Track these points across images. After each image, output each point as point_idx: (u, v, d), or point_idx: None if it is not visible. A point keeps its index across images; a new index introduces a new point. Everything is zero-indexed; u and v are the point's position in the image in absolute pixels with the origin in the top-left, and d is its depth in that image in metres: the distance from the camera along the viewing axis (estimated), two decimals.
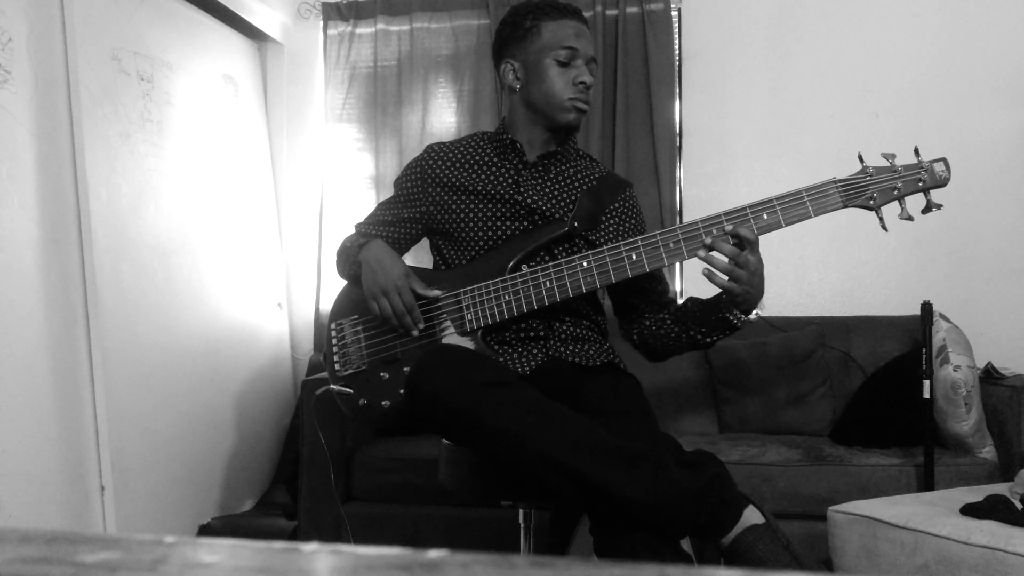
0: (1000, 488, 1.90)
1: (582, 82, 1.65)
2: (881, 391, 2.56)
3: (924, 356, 2.30)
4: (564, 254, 1.66)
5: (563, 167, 1.75)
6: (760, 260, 1.50)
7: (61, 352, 2.25)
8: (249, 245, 3.14)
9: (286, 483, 3.05)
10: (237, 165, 3.12)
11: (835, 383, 2.73)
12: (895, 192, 1.51)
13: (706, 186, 3.18)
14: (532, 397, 1.40)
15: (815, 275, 3.12)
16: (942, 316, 2.54)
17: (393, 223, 1.80)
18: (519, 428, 1.35)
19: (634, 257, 1.55)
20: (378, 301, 1.62)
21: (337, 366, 1.69)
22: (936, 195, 1.53)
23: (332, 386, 1.67)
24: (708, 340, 1.64)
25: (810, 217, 1.51)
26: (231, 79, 3.15)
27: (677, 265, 3.09)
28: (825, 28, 3.11)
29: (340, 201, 3.39)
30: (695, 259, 1.51)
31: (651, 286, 1.73)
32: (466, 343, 1.62)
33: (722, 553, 1.39)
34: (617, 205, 1.75)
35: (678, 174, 3.18)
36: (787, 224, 1.51)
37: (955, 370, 2.36)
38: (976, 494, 1.83)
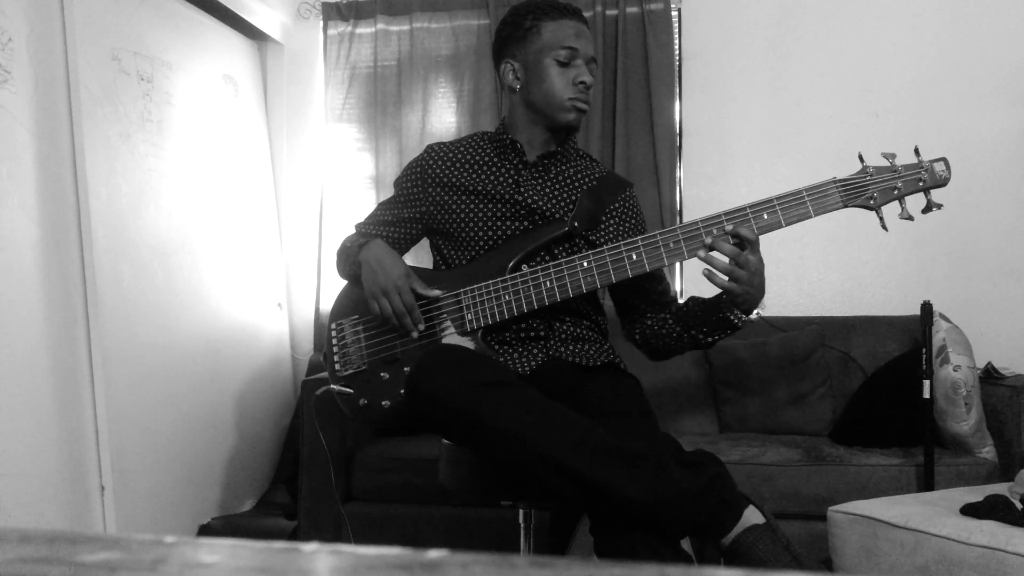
0: (1000, 488, 1.90)
1: (582, 82, 1.65)
2: (881, 391, 2.56)
3: (924, 356, 2.30)
4: (564, 254, 1.66)
5: (563, 167, 1.75)
6: (761, 260, 1.50)
7: (61, 352, 2.25)
8: (249, 245, 3.14)
9: (286, 483, 3.05)
10: (237, 165, 3.12)
11: (835, 383, 2.73)
12: (895, 192, 1.51)
13: (706, 186, 3.18)
14: (532, 397, 1.40)
15: (815, 275, 3.12)
16: (942, 316, 2.54)
17: (393, 223, 1.80)
18: (519, 428, 1.35)
19: (634, 257, 1.55)
20: (378, 301, 1.62)
21: (337, 366, 1.69)
22: (936, 195, 1.53)
23: (332, 386, 1.67)
24: (710, 340, 1.64)
25: (810, 217, 1.51)
26: (231, 79, 3.15)
27: (677, 265, 3.09)
28: (825, 28, 3.11)
29: (340, 201, 3.39)
30: (695, 259, 1.51)
31: (652, 286, 1.73)
32: (466, 343, 1.62)
33: (722, 553, 1.38)
34: (617, 205, 1.75)
35: (678, 174, 3.18)
36: (787, 224, 1.51)
37: (955, 370, 2.36)
38: (976, 494, 1.83)
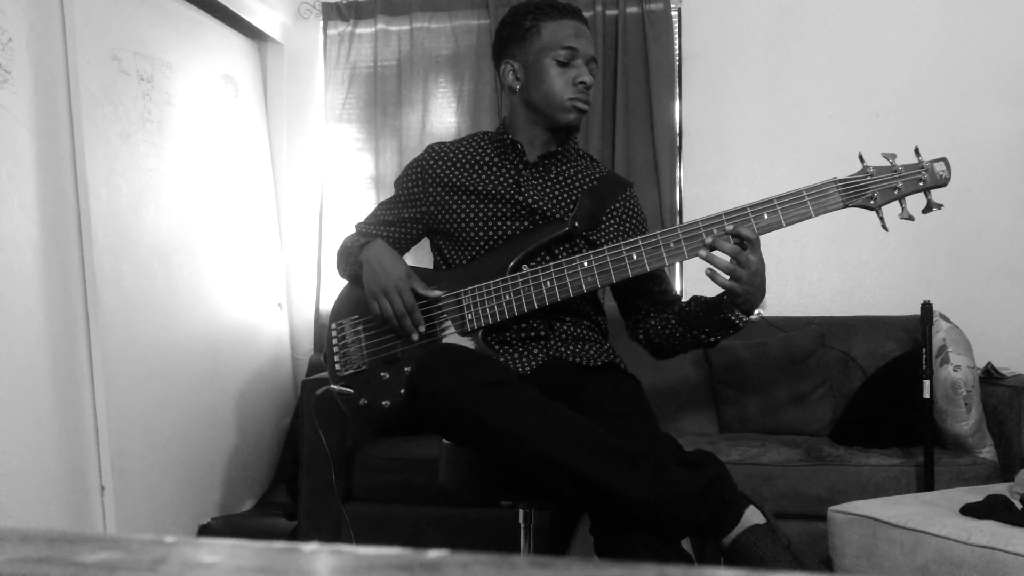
0: (1000, 488, 1.90)
1: (582, 82, 1.65)
2: (881, 391, 2.56)
3: (924, 356, 2.30)
4: (565, 254, 1.66)
5: (563, 167, 1.75)
6: (761, 260, 1.51)
7: (61, 352, 2.25)
8: (249, 245, 3.14)
9: (286, 483, 3.05)
10: (237, 165, 3.12)
11: (835, 383, 2.73)
12: (895, 192, 1.51)
13: (706, 186, 3.18)
14: (533, 397, 1.40)
15: (815, 275, 3.12)
16: (942, 316, 2.54)
17: (394, 223, 1.80)
18: (519, 428, 1.35)
19: (635, 257, 1.55)
20: (379, 301, 1.62)
21: (337, 366, 1.69)
22: (936, 195, 1.53)
23: (332, 386, 1.67)
24: (712, 340, 1.64)
25: (810, 217, 1.51)
26: (231, 79, 3.15)
27: (678, 265, 3.09)
28: (825, 28, 3.11)
29: (340, 201, 3.39)
30: (696, 259, 1.51)
31: (653, 287, 1.73)
32: (467, 343, 1.62)
33: (722, 553, 1.39)
34: (618, 205, 1.75)
35: (678, 174, 3.18)
36: (788, 224, 1.51)
37: (955, 370, 2.36)
38: (976, 494, 1.82)
